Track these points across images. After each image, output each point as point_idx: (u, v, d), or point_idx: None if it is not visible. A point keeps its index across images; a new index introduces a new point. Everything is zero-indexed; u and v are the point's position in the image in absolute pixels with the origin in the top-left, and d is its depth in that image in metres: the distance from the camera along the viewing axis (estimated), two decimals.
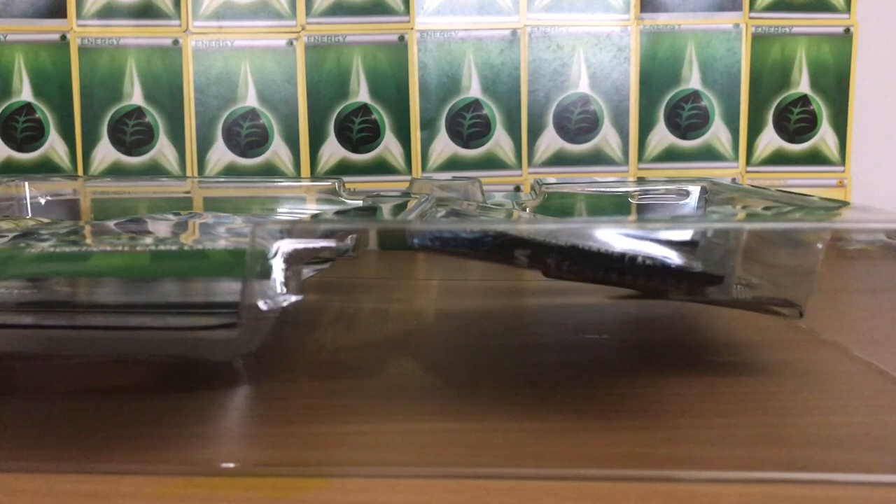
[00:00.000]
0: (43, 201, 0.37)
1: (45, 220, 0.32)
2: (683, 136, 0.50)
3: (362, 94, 0.49)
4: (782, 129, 0.50)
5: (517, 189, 0.50)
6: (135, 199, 0.39)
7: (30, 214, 0.37)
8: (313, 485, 0.17)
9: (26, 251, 0.22)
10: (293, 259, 0.19)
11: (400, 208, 0.30)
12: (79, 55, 0.48)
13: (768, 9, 0.49)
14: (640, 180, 0.46)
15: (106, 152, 0.49)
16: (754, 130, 0.50)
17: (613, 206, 0.38)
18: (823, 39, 0.50)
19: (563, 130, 0.49)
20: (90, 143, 0.49)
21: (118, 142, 0.49)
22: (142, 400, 0.22)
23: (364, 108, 0.49)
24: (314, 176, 0.49)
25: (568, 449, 0.19)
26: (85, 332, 0.19)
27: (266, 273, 0.19)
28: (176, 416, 0.21)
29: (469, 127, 0.49)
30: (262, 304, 0.19)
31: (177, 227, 0.30)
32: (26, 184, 0.37)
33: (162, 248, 0.22)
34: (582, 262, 0.21)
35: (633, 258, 0.21)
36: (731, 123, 0.50)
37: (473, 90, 0.49)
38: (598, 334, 0.29)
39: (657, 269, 0.21)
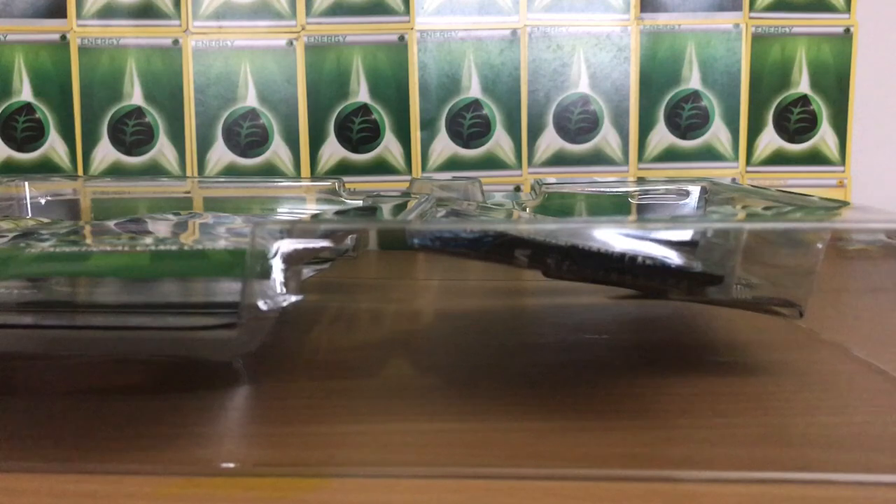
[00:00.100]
0: (43, 201, 0.37)
1: (45, 220, 0.32)
2: (683, 136, 0.50)
3: (362, 94, 0.49)
4: (782, 129, 0.50)
5: (517, 189, 0.50)
6: (135, 199, 0.39)
7: (30, 214, 0.36)
8: (313, 485, 0.17)
9: (26, 251, 0.22)
10: (293, 259, 0.19)
11: (400, 208, 0.30)
12: (79, 55, 0.48)
13: (768, 9, 0.49)
14: (640, 180, 0.46)
15: (106, 152, 0.49)
16: (754, 130, 0.50)
17: (613, 206, 0.38)
18: (823, 39, 0.50)
19: (563, 130, 0.49)
20: (90, 143, 0.49)
21: (118, 142, 0.49)
22: (142, 400, 0.22)
23: (364, 108, 0.49)
24: (314, 176, 0.49)
25: (568, 449, 0.19)
26: (85, 332, 0.19)
27: (266, 273, 0.19)
28: (176, 416, 0.21)
29: (469, 127, 0.49)
30: (262, 304, 0.19)
31: (177, 227, 0.30)
32: (26, 184, 0.37)
33: (162, 248, 0.22)
34: (582, 262, 0.21)
35: (633, 258, 0.21)
36: (731, 123, 0.50)
37: (473, 90, 0.49)
38: (598, 334, 0.29)
39: (657, 269, 0.21)
